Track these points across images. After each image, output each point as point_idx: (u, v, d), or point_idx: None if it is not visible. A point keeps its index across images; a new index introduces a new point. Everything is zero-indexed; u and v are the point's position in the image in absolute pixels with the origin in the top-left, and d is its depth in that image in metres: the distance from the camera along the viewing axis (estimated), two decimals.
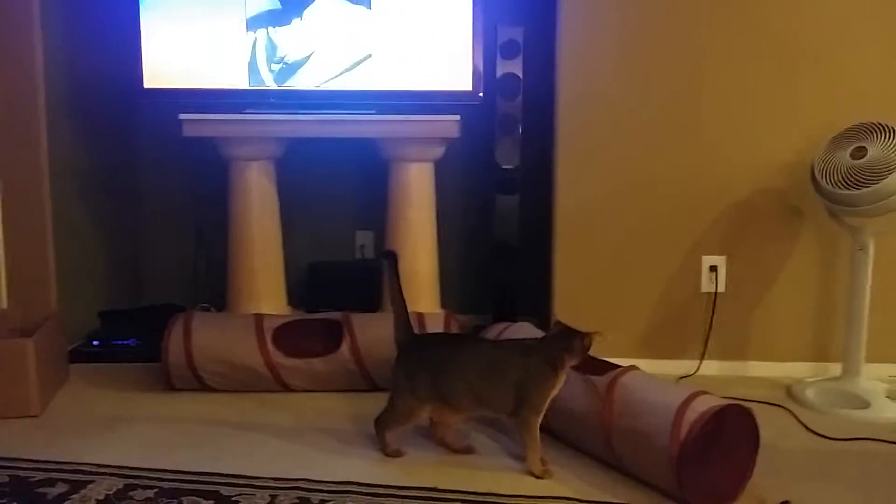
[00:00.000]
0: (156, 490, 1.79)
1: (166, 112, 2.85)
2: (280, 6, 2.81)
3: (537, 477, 1.86)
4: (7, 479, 1.84)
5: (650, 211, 2.65)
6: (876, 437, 2.13)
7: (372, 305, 2.97)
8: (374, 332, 2.46)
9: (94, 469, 1.90)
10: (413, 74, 2.81)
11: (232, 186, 2.90)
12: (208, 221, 3.21)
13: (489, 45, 2.85)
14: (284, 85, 2.83)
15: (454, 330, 2.54)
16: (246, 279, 2.91)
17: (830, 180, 2.31)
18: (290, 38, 2.81)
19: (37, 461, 1.94)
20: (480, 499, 1.75)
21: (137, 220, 3.34)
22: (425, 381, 1.92)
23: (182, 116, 2.76)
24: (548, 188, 2.82)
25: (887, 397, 2.35)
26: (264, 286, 2.92)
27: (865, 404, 2.32)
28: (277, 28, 2.81)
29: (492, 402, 1.90)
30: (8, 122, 2.67)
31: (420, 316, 2.53)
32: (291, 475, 1.86)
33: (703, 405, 1.74)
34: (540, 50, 2.92)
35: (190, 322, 2.48)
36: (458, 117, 2.78)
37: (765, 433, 1.88)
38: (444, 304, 2.98)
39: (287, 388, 2.46)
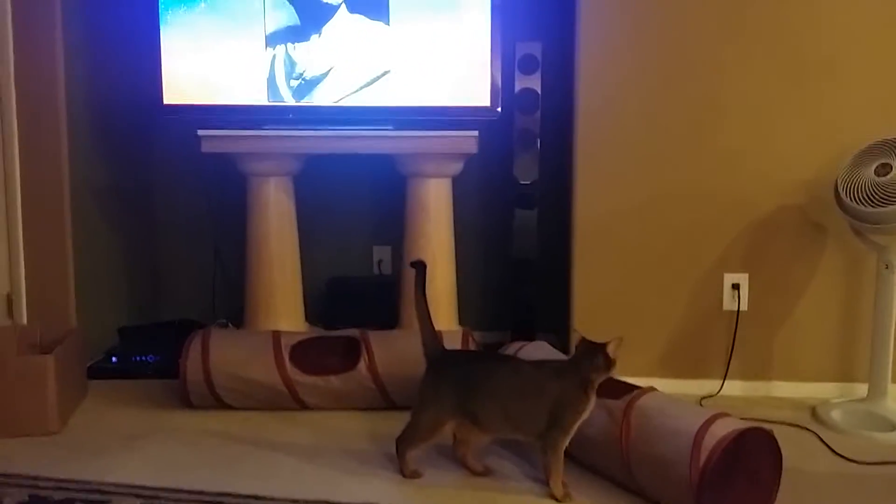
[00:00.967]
0: None
1: (185, 128, 2.86)
2: (299, 22, 2.81)
3: (558, 501, 1.84)
4: (27, 498, 1.84)
5: (670, 227, 2.63)
6: None
7: (390, 321, 2.96)
8: (392, 350, 2.45)
9: (112, 489, 1.89)
10: (431, 90, 2.81)
11: (250, 202, 2.91)
12: (226, 237, 3.21)
13: (507, 61, 2.84)
14: (303, 101, 2.84)
15: (472, 347, 2.52)
16: (264, 295, 2.90)
17: (855, 197, 2.28)
18: (309, 55, 2.82)
19: (56, 480, 1.94)
20: None
21: (156, 236, 3.35)
22: (452, 396, 1.90)
23: (200, 132, 2.77)
24: (567, 203, 2.80)
25: None
26: (282, 302, 2.91)
27: (892, 426, 2.28)
28: (296, 44, 2.81)
29: (523, 424, 1.87)
30: (29, 139, 2.69)
31: (438, 333, 2.51)
32: (309, 496, 1.85)
33: (721, 430, 1.70)
34: (558, 65, 2.90)
35: (208, 339, 2.47)
36: (476, 133, 2.77)
37: (789, 455, 1.84)
38: (461, 321, 2.96)
39: (304, 406, 2.45)
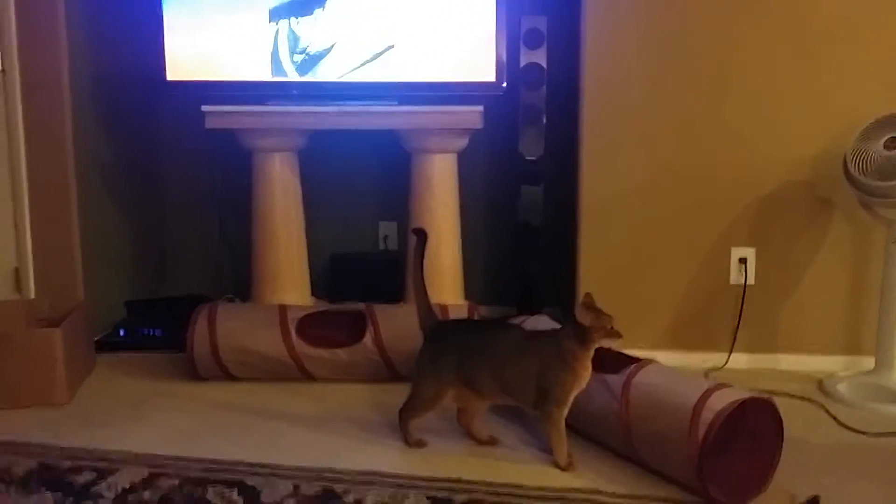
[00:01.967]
0: (181, 479, 1.80)
1: (189, 104, 2.86)
2: None
3: (562, 469, 1.85)
4: (36, 466, 1.86)
5: (677, 201, 2.61)
6: None
7: (396, 297, 2.96)
8: (397, 323, 2.45)
9: (120, 457, 1.91)
10: (436, 65, 2.79)
11: (255, 178, 2.91)
12: (232, 213, 3.22)
13: (512, 35, 2.82)
14: (306, 76, 2.83)
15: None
16: (270, 270, 2.91)
17: (863, 171, 2.26)
18: (313, 29, 2.80)
19: (65, 449, 1.96)
20: (504, 490, 1.74)
21: (162, 211, 3.36)
22: (450, 364, 1.91)
23: (204, 108, 2.77)
24: (572, 178, 2.78)
25: None
26: (288, 277, 2.92)
27: None
28: (300, 19, 2.80)
29: (515, 390, 1.88)
30: (34, 115, 2.69)
31: (443, 307, 2.52)
32: (315, 465, 1.86)
33: (719, 402, 1.70)
34: (564, 39, 2.88)
35: (214, 313, 2.49)
36: (481, 108, 2.76)
37: (795, 427, 1.85)
38: (467, 296, 2.97)
39: (311, 378, 2.46)
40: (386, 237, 3.29)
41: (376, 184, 3.26)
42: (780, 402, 1.79)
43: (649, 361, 1.96)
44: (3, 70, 2.63)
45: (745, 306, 2.60)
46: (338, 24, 2.80)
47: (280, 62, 2.83)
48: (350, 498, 1.71)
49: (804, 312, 2.60)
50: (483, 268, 3.21)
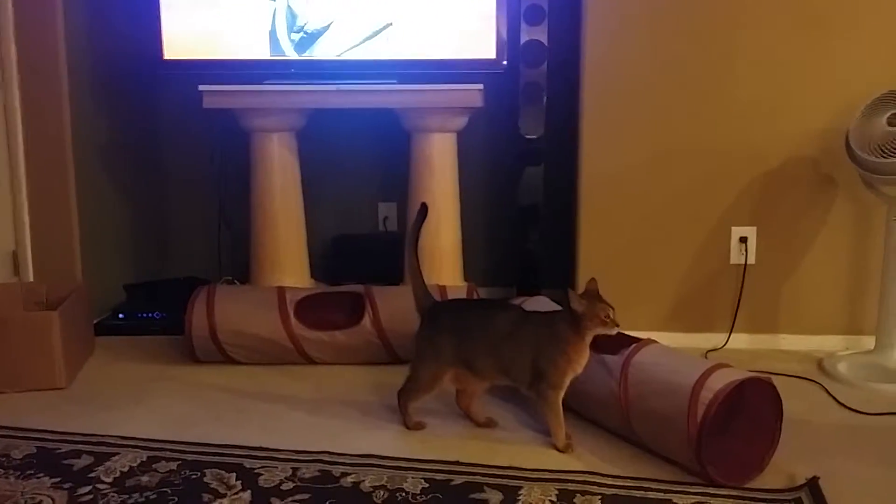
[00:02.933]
0: (179, 462, 1.80)
1: (187, 83, 2.83)
2: None
3: (560, 451, 1.84)
4: (34, 451, 1.87)
5: (678, 180, 2.59)
6: None
7: (395, 278, 2.95)
8: (396, 304, 2.44)
9: (118, 441, 1.91)
10: (435, 42, 2.76)
11: (253, 158, 2.88)
12: (231, 194, 3.20)
13: (513, 12, 2.78)
14: (305, 55, 2.80)
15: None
16: (269, 252, 2.90)
17: (866, 148, 2.24)
18: (310, 7, 2.77)
19: (63, 433, 1.96)
20: (502, 472, 1.74)
21: (160, 192, 3.34)
22: (448, 345, 1.90)
23: (202, 88, 2.74)
24: (573, 158, 2.76)
25: None
26: (287, 259, 2.91)
27: None
28: None
29: (511, 370, 1.88)
30: (30, 97, 2.67)
31: (442, 288, 2.51)
32: (313, 447, 1.86)
33: (717, 382, 1.69)
34: (565, 15, 2.84)
35: (213, 295, 2.48)
36: (481, 86, 2.73)
37: (795, 407, 1.84)
38: (467, 277, 2.95)
39: (310, 361, 2.46)
40: (386, 218, 3.27)
41: (376, 164, 3.24)
42: (779, 382, 1.78)
43: (648, 342, 1.95)
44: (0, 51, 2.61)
45: (745, 286, 2.58)
46: (335, 2, 2.76)
47: (278, 41, 2.80)
48: (348, 480, 1.71)
49: (805, 292, 2.59)
50: (483, 249, 3.19)
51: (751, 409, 1.79)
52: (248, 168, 2.91)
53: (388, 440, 1.92)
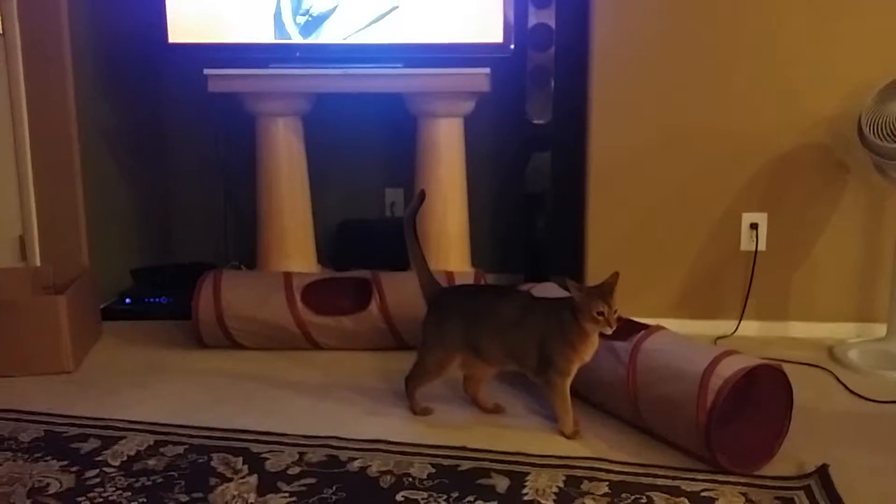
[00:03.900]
0: (186, 446, 1.80)
1: (192, 67, 2.81)
2: None
3: (568, 437, 1.83)
4: (42, 434, 1.87)
5: (688, 166, 2.57)
6: None
7: (402, 264, 2.93)
8: (403, 290, 2.43)
9: (125, 425, 1.91)
10: (441, 26, 2.73)
11: (259, 143, 2.87)
12: (237, 178, 3.19)
13: None
14: (310, 38, 2.78)
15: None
16: (275, 237, 2.89)
17: (878, 133, 2.21)
18: None
19: (70, 416, 1.97)
20: (509, 458, 1.73)
21: (167, 177, 3.33)
22: (455, 331, 1.89)
23: (207, 71, 2.72)
24: (581, 143, 2.74)
25: None
26: (294, 244, 2.90)
27: None
28: None
29: (518, 356, 1.86)
30: (35, 80, 2.66)
31: (450, 274, 2.50)
32: (320, 432, 1.86)
33: (727, 369, 1.67)
34: None
35: (219, 280, 2.47)
36: (488, 70, 2.70)
37: (805, 395, 1.83)
38: (474, 263, 2.94)
39: (316, 346, 2.45)
40: (392, 204, 3.26)
41: (382, 150, 3.22)
42: (789, 370, 1.76)
43: (658, 328, 1.93)
44: (3, 33, 2.59)
45: (755, 273, 2.56)
46: None
47: (283, 24, 2.78)
48: (355, 465, 1.70)
49: (816, 279, 2.56)
50: (490, 235, 3.18)
51: (761, 397, 1.78)
52: (253, 153, 2.90)
53: (395, 425, 1.91)
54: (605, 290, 1.75)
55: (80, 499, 1.57)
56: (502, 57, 2.75)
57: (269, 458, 1.74)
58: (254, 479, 1.65)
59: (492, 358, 1.90)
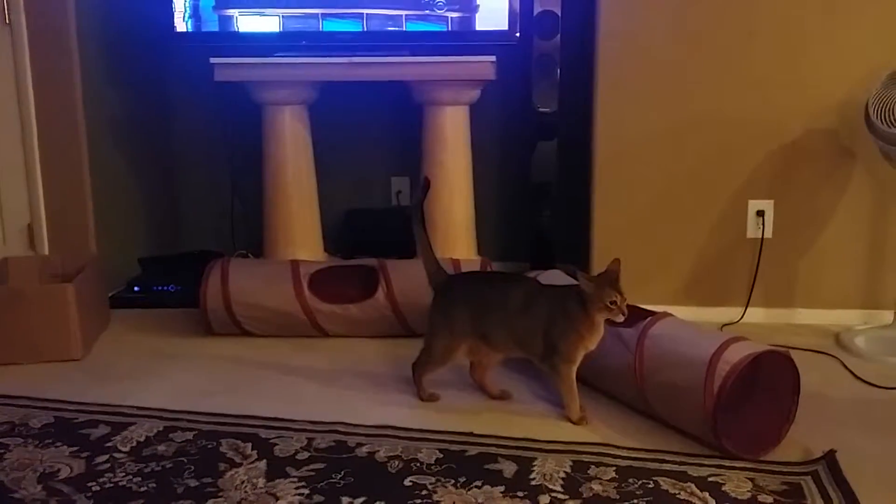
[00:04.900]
0: (195, 432, 1.81)
1: (198, 56, 2.81)
2: None
3: (574, 423, 1.84)
4: (52, 420, 1.88)
5: (694, 154, 2.56)
6: None
7: (408, 252, 2.93)
8: (409, 278, 2.44)
9: (134, 411, 1.93)
10: (447, 14, 2.72)
11: (265, 131, 2.87)
12: (244, 167, 3.19)
13: None
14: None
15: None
16: (282, 225, 2.90)
17: (885, 120, 2.20)
18: None
19: (80, 403, 1.98)
20: (516, 444, 1.74)
21: (173, 166, 3.34)
22: (462, 317, 1.89)
23: (213, 60, 2.72)
24: (587, 131, 2.73)
25: None
26: (300, 232, 2.91)
27: None
28: None
29: (523, 342, 1.87)
30: (42, 70, 2.66)
31: (456, 262, 2.50)
32: (328, 418, 1.86)
33: (734, 355, 1.67)
34: None
35: (227, 268, 2.48)
36: (493, 58, 2.70)
37: (812, 381, 1.83)
38: (480, 251, 2.94)
39: (324, 333, 2.46)
40: (398, 192, 3.26)
41: (388, 138, 3.22)
42: (796, 356, 1.76)
43: (664, 315, 1.94)
44: (9, 23, 2.60)
45: (762, 260, 2.56)
46: None
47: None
48: (363, 451, 1.71)
49: (822, 266, 2.56)
50: (496, 223, 3.18)
51: (767, 383, 1.78)
52: (260, 142, 2.90)
53: (402, 411, 1.92)
54: (613, 279, 1.75)
55: (90, 484, 1.58)
56: (508, 45, 2.75)
57: (277, 444, 1.75)
58: (262, 464, 1.66)
59: (498, 344, 1.90)
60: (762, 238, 2.56)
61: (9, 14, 2.59)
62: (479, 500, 1.51)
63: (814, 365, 2.17)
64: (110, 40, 2.95)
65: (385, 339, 2.43)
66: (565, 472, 1.62)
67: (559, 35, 2.79)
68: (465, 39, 2.74)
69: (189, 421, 1.87)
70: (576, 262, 2.93)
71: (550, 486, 1.56)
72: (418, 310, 2.35)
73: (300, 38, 2.78)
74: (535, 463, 1.65)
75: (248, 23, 2.78)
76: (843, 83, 2.45)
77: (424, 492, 1.54)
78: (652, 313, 1.94)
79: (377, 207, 3.25)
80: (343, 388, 2.08)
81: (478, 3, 2.71)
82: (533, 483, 1.57)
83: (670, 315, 1.95)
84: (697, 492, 1.54)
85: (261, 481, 1.59)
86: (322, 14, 2.76)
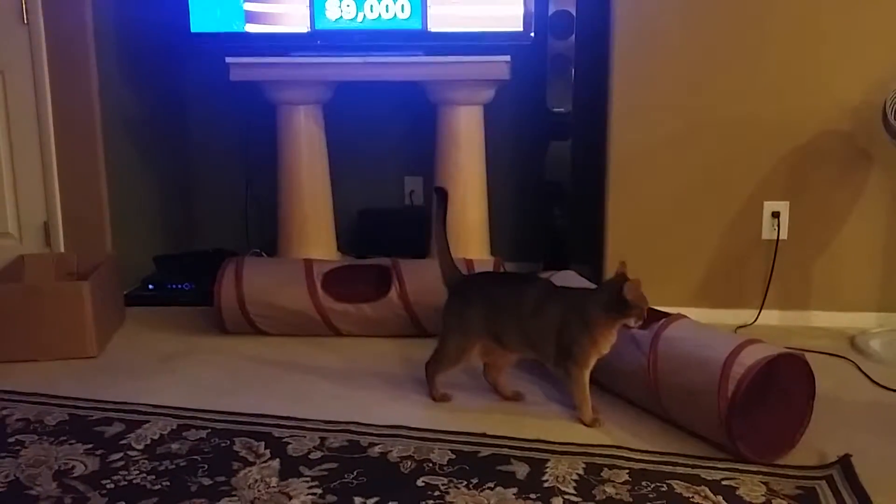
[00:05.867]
0: (208, 431, 1.82)
1: (214, 56, 2.83)
2: None
3: (587, 426, 1.84)
4: (67, 418, 1.90)
5: (709, 154, 2.55)
6: None
7: (421, 252, 2.94)
8: (422, 277, 2.44)
9: (149, 409, 1.94)
10: (462, 14, 2.72)
11: (280, 131, 2.88)
12: (258, 167, 3.20)
13: None
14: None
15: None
16: (296, 225, 2.91)
17: None
18: None
19: (95, 401, 1.99)
20: (529, 445, 1.74)
21: (188, 165, 3.36)
22: (476, 318, 1.89)
23: (229, 60, 2.74)
24: (601, 132, 2.72)
25: None
26: (314, 232, 2.92)
27: None
28: None
29: (536, 344, 1.87)
30: (60, 70, 2.68)
31: (469, 262, 2.50)
32: (341, 418, 1.87)
33: (749, 358, 1.66)
34: None
35: (241, 267, 2.49)
36: (508, 58, 2.69)
37: (827, 384, 1.82)
38: (494, 251, 2.94)
39: (337, 332, 2.47)
40: (412, 192, 3.26)
41: (402, 138, 3.23)
42: (811, 359, 1.75)
43: (678, 317, 1.93)
44: (27, 23, 2.62)
45: (777, 262, 2.54)
46: None
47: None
48: (376, 451, 1.72)
49: (838, 268, 2.54)
50: (510, 223, 3.18)
51: (782, 386, 1.77)
52: (275, 141, 2.91)
53: (415, 411, 1.92)
54: (639, 285, 1.75)
55: (104, 481, 1.59)
56: (522, 45, 2.74)
57: (290, 443, 1.75)
58: (276, 463, 1.67)
59: (512, 346, 1.90)
60: (777, 239, 2.54)
61: (27, 14, 2.61)
62: (492, 502, 1.51)
63: (829, 368, 2.16)
64: (126, 40, 2.97)
65: (398, 339, 2.43)
66: (578, 474, 1.62)
67: (574, 35, 2.78)
68: (480, 39, 2.73)
69: (203, 419, 1.88)
70: (589, 263, 2.93)
71: (563, 489, 1.56)
72: (431, 309, 2.36)
73: (315, 37, 2.79)
74: (547, 465, 1.65)
75: (264, 22, 2.79)
76: (859, 84, 2.43)
77: (437, 493, 1.54)
78: (666, 315, 1.93)
79: (390, 207, 3.26)
80: (356, 388, 2.08)
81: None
82: (546, 485, 1.57)
83: (684, 317, 1.94)
84: (711, 495, 1.54)
85: (274, 480, 1.60)
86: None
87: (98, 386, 2.09)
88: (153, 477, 1.61)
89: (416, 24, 2.74)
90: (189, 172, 3.37)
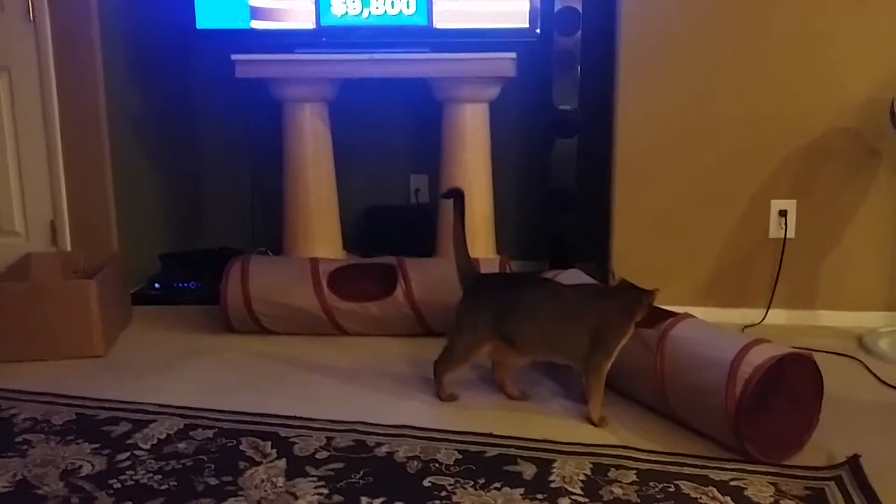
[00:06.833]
0: (215, 430, 1.82)
1: (219, 53, 2.82)
2: None
3: (594, 424, 1.83)
4: (74, 417, 1.90)
5: (716, 153, 2.54)
6: None
7: (427, 250, 2.94)
8: (428, 276, 2.44)
9: (156, 409, 1.94)
10: (468, 10, 2.71)
11: (285, 128, 2.88)
12: (264, 164, 3.20)
13: None
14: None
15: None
16: (301, 223, 2.90)
17: None
18: None
19: (102, 400, 1.99)
20: (536, 445, 1.73)
21: (194, 163, 3.36)
22: (489, 319, 1.89)
23: (234, 57, 2.73)
24: (607, 129, 2.71)
25: None
26: (320, 230, 2.91)
27: None
28: None
29: (563, 347, 1.86)
30: (66, 67, 2.68)
31: (475, 261, 2.49)
32: (347, 417, 1.87)
33: (757, 357, 1.66)
34: None
35: (247, 266, 2.49)
36: (514, 55, 2.69)
37: (834, 384, 1.81)
38: (499, 250, 2.94)
39: (343, 332, 2.47)
40: (417, 190, 3.26)
41: (407, 136, 3.22)
42: (819, 359, 1.75)
43: (685, 316, 1.92)
44: (34, 20, 2.62)
45: (784, 261, 2.53)
46: None
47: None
48: (382, 450, 1.71)
49: (845, 267, 2.53)
50: (515, 221, 3.17)
51: (790, 386, 1.76)
52: (280, 139, 2.91)
53: (421, 411, 1.92)
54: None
55: (111, 481, 1.59)
56: (528, 41, 2.73)
57: (297, 443, 1.75)
58: (282, 463, 1.67)
59: (526, 348, 1.90)
60: (784, 238, 2.53)
61: (33, 12, 2.62)
62: (499, 502, 1.51)
63: (837, 368, 2.15)
64: (133, 37, 2.97)
65: (404, 339, 2.43)
66: (585, 474, 1.61)
67: (580, 32, 2.77)
68: (486, 36, 2.72)
69: (209, 419, 1.88)
70: (595, 261, 2.93)
71: (570, 489, 1.55)
72: (437, 309, 2.36)
73: (320, 34, 2.78)
74: (554, 465, 1.65)
75: (270, 19, 2.78)
76: (867, 81, 2.42)
77: (444, 493, 1.54)
78: (673, 314, 1.92)
79: (396, 205, 3.25)
80: (362, 387, 2.08)
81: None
82: (552, 485, 1.57)
83: (691, 316, 1.93)
84: (719, 496, 1.53)
85: (280, 480, 1.60)
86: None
87: (105, 385, 2.09)
88: (160, 477, 1.61)
89: (421, 21, 2.73)
90: (195, 170, 3.37)
